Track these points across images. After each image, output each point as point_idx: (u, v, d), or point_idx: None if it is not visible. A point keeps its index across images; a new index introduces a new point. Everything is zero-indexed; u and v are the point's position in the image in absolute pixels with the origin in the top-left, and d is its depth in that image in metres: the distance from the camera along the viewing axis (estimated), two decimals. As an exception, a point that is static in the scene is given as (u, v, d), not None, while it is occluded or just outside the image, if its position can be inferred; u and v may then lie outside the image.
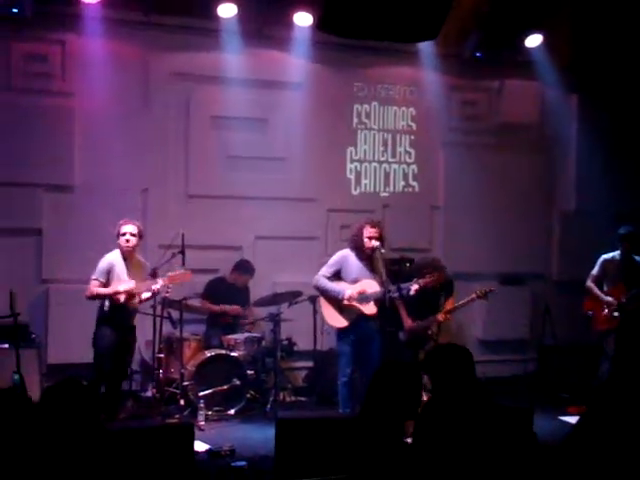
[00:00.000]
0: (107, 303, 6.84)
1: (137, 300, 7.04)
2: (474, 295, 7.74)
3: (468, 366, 3.67)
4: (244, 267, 8.47)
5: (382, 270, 6.96)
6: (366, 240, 7.02)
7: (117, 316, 6.88)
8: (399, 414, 3.30)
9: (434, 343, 7.84)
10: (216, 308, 8.28)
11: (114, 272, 6.89)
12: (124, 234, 6.92)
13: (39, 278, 8.19)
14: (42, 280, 8.18)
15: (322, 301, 7.26)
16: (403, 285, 7.23)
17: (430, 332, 7.83)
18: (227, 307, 8.28)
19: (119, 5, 8.00)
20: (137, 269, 7.05)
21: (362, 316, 7.02)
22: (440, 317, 7.82)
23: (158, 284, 6.92)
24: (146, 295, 7.05)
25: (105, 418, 6.65)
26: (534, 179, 9.97)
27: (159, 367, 7.36)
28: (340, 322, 7.11)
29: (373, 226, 7.10)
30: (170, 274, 6.98)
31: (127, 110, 8.37)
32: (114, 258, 6.95)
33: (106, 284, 6.86)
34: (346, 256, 7.16)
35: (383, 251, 6.98)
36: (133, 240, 6.95)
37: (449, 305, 7.91)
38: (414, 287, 7.21)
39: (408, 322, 7.86)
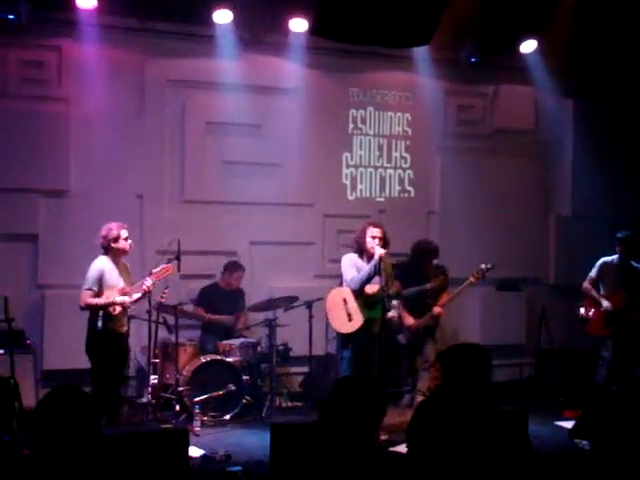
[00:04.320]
0: (100, 323, 6.65)
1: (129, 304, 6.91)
2: (471, 279, 7.70)
3: (484, 368, 3.62)
4: (232, 265, 8.44)
5: (391, 273, 6.97)
6: (369, 240, 7.00)
7: (109, 330, 6.70)
8: (360, 425, 3.20)
9: (434, 343, 7.93)
10: (208, 318, 8.28)
11: (105, 279, 6.73)
12: (126, 238, 6.84)
13: (35, 284, 8.17)
14: (38, 285, 8.17)
15: (329, 307, 7.17)
16: (413, 289, 7.73)
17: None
18: (223, 317, 8.28)
19: (115, 11, 7.99)
20: (126, 272, 6.95)
21: (367, 321, 6.96)
22: (436, 311, 7.86)
23: (148, 281, 6.82)
24: (137, 295, 6.88)
25: (106, 423, 6.59)
26: (530, 184, 9.99)
27: (154, 373, 7.35)
28: (348, 327, 7.04)
29: (376, 226, 7.13)
30: (154, 271, 6.91)
31: (123, 116, 8.38)
32: (104, 264, 6.78)
33: (98, 293, 6.71)
34: (355, 258, 7.13)
35: (383, 253, 6.85)
36: None
37: (444, 298, 7.94)
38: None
39: (410, 320, 7.89)
